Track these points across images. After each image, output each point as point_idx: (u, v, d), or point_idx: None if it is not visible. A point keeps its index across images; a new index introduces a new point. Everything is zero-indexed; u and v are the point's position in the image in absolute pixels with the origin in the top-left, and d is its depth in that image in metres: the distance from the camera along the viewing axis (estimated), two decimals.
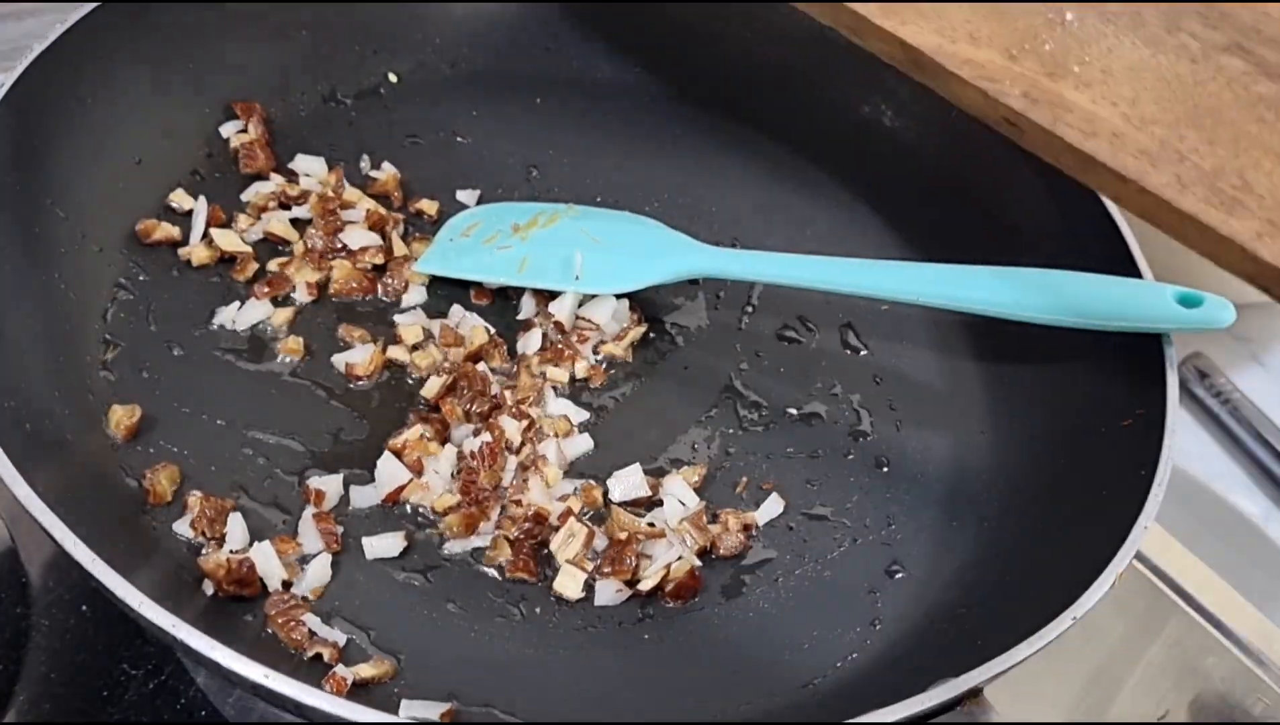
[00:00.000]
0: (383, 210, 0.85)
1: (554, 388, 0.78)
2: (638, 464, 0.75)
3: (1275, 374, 1.07)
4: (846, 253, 0.82)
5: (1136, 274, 0.80)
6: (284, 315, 0.79)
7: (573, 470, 0.75)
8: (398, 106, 0.94)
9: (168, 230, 0.81)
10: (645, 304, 0.84)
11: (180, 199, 0.83)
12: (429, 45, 0.97)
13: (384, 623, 0.66)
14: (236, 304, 0.79)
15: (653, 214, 0.87)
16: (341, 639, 0.65)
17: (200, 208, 0.82)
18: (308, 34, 0.92)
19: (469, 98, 0.96)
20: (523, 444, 0.74)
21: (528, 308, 0.82)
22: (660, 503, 0.73)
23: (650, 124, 0.97)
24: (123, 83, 0.82)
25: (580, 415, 0.77)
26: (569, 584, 0.69)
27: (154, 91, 0.84)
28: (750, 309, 0.86)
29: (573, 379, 0.79)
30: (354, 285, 0.81)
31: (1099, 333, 0.77)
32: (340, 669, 0.63)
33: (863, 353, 0.85)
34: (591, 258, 0.82)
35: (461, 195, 0.89)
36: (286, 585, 0.66)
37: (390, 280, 0.82)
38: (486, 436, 0.73)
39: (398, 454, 0.72)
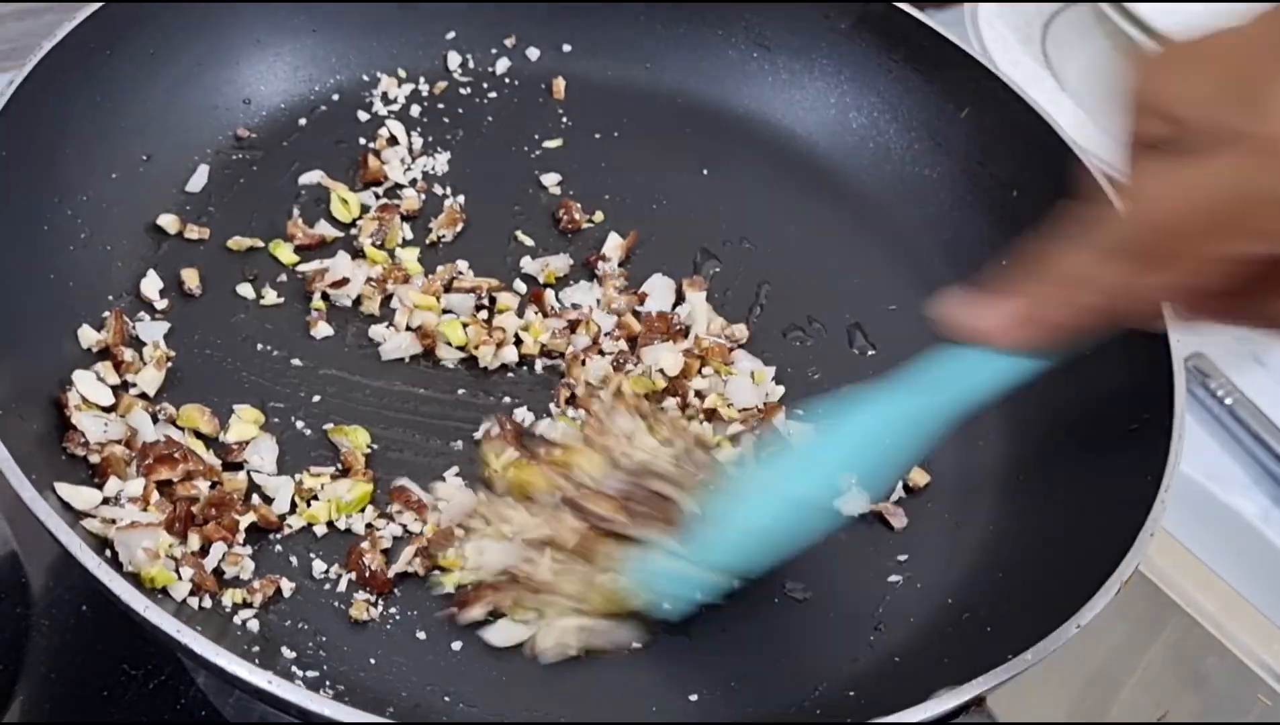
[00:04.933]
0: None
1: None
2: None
3: (1275, 374, 1.07)
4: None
5: None
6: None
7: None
8: (402, 106, 0.93)
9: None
10: None
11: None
12: (431, 45, 0.95)
13: None
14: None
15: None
16: None
17: None
18: (316, 31, 0.91)
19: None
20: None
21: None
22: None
23: (654, 123, 0.96)
24: (132, 80, 0.81)
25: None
26: None
27: (163, 88, 0.83)
28: (758, 309, 0.86)
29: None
30: None
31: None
32: None
33: (870, 353, 0.85)
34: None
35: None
36: None
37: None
38: None
39: None
